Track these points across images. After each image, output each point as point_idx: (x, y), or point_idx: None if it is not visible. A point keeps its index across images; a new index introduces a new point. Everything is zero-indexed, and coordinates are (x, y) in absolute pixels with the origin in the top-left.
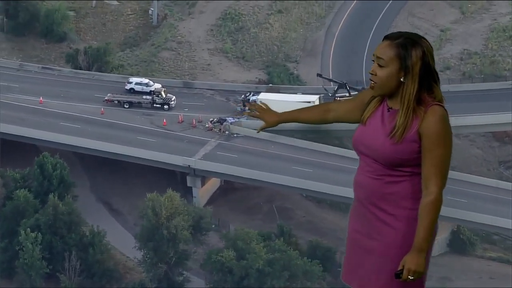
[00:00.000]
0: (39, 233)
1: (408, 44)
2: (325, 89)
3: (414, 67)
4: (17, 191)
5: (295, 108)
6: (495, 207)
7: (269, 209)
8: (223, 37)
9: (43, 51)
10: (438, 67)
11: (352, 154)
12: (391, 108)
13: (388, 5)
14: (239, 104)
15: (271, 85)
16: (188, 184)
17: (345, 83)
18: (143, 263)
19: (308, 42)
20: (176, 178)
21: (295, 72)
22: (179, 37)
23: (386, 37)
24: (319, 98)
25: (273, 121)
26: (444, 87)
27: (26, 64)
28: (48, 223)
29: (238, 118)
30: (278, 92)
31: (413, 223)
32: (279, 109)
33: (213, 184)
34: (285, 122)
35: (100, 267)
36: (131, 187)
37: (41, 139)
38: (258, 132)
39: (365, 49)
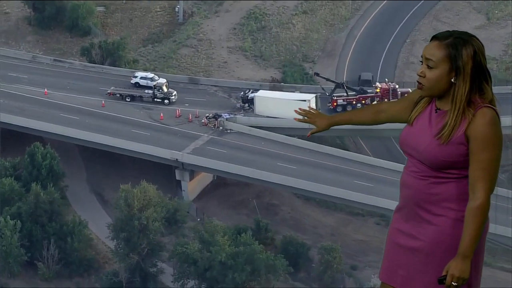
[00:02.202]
0: (19, 221)
1: (458, 44)
2: (323, 89)
3: (466, 67)
4: (3, 179)
5: (291, 106)
6: (494, 213)
7: (256, 204)
8: (245, 36)
9: (66, 45)
10: None
11: (344, 154)
12: (439, 109)
13: (415, 9)
14: (239, 101)
15: (282, 83)
16: (177, 178)
17: (342, 83)
18: (115, 253)
19: (329, 43)
20: (171, 172)
21: (310, 72)
22: (201, 35)
23: (435, 37)
24: (316, 97)
25: (325, 124)
26: None
27: (38, 56)
28: (29, 211)
29: (234, 115)
30: (281, 90)
31: (459, 224)
32: (274, 106)
33: (204, 178)
34: (337, 125)
35: (78, 256)
36: (126, 180)
37: (37, 129)
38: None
39: (384, 52)
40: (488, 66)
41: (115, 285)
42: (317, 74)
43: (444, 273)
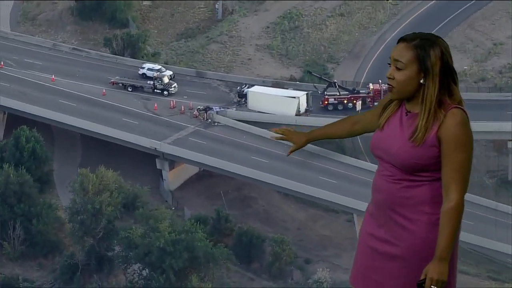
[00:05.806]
0: None
1: (426, 45)
2: (315, 87)
3: (434, 68)
4: None
5: (281, 102)
6: (493, 229)
7: (234, 196)
8: (276, 34)
9: (103, 36)
10: (474, 78)
11: (318, 151)
12: (409, 112)
13: (452, 16)
14: (236, 96)
15: (298, 82)
16: (157, 167)
17: (334, 82)
18: (71, 236)
19: (357, 46)
20: None
21: (331, 72)
22: (234, 32)
23: (402, 39)
24: (307, 94)
25: (302, 142)
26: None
27: (58, 44)
28: None
29: (226, 108)
30: (283, 87)
31: (433, 228)
32: (265, 101)
33: (189, 169)
34: (314, 140)
35: (42, 237)
36: (117, 168)
37: (33, 114)
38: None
39: None
40: (509, 74)
41: (71, 267)
42: (310, 72)
43: (422, 277)
